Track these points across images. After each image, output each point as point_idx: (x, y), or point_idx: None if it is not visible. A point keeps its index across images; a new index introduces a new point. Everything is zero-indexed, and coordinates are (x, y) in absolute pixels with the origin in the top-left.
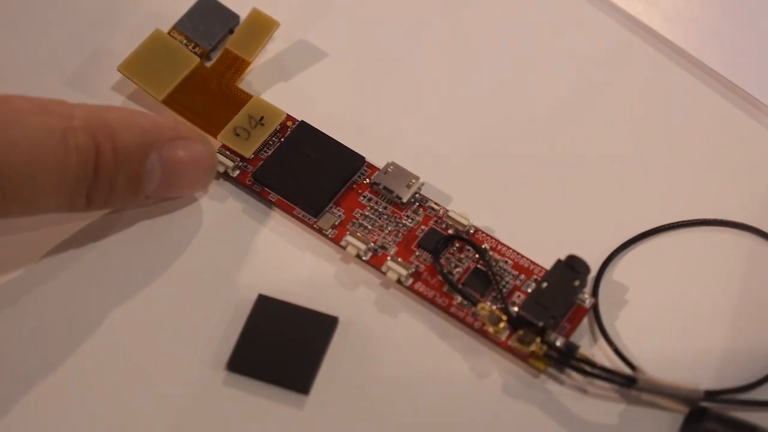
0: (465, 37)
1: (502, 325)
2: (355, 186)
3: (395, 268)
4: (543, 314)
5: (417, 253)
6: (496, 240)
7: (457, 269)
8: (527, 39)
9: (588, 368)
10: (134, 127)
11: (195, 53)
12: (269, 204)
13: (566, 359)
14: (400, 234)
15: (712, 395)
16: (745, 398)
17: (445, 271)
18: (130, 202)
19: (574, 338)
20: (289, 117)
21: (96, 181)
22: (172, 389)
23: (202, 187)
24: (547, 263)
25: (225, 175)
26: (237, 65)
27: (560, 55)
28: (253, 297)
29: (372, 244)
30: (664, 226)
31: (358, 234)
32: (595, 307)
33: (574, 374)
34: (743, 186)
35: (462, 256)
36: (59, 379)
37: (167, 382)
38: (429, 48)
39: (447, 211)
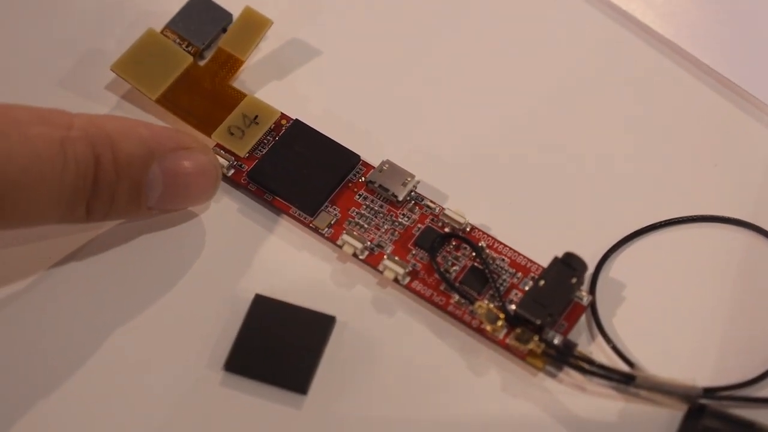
0: (459, 35)
1: (499, 323)
2: (350, 185)
3: (392, 267)
4: (541, 312)
5: (413, 252)
6: (492, 238)
7: (454, 267)
8: (521, 37)
9: (586, 366)
10: (134, 136)
11: (188, 52)
12: (265, 203)
13: (564, 357)
14: (397, 232)
15: (710, 392)
16: (743, 395)
17: (442, 269)
18: (132, 213)
19: (572, 336)
20: (283, 116)
21: (96, 192)
22: (169, 390)
23: (206, 199)
24: (544, 261)
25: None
26: (230, 64)
27: (554, 52)
28: (250, 297)
29: (368, 242)
30: (660, 222)
31: (355, 233)
32: (592, 305)
33: (573, 372)
34: (739, 182)
35: (459, 254)
36: (58, 381)
37: (165, 383)
38: (423, 45)
39: (443, 209)
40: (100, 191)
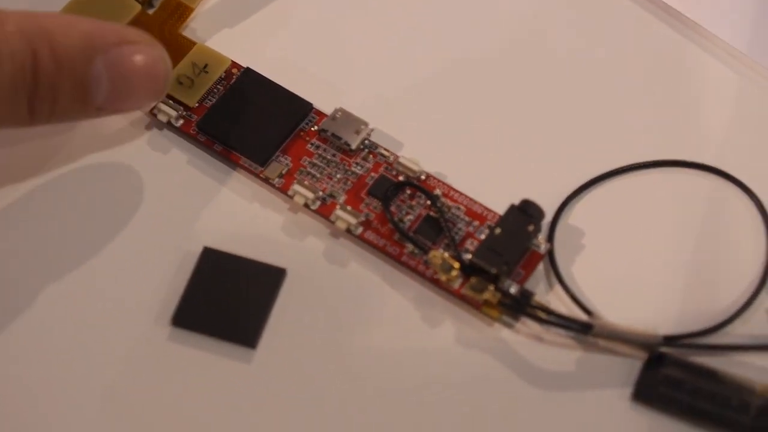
0: None
1: (454, 273)
2: (302, 133)
3: (344, 217)
4: (496, 261)
5: (367, 201)
6: (448, 186)
7: (409, 217)
8: None
9: (543, 315)
10: (75, 31)
11: (137, 0)
12: (215, 154)
13: (521, 306)
14: (350, 182)
15: (670, 340)
16: (704, 342)
17: (395, 218)
18: (79, 113)
19: (529, 285)
20: (234, 64)
21: (36, 89)
22: (116, 346)
23: (156, 97)
24: (502, 209)
25: (168, 125)
26: (180, 12)
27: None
28: (199, 250)
29: (320, 192)
30: (621, 168)
31: (306, 183)
32: (550, 253)
33: (530, 322)
34: (702, 125)
35: (413, 203)
36: (1, 337)
37: (111, 339)
38: None
39: (397, 157)
40: (41, 88)
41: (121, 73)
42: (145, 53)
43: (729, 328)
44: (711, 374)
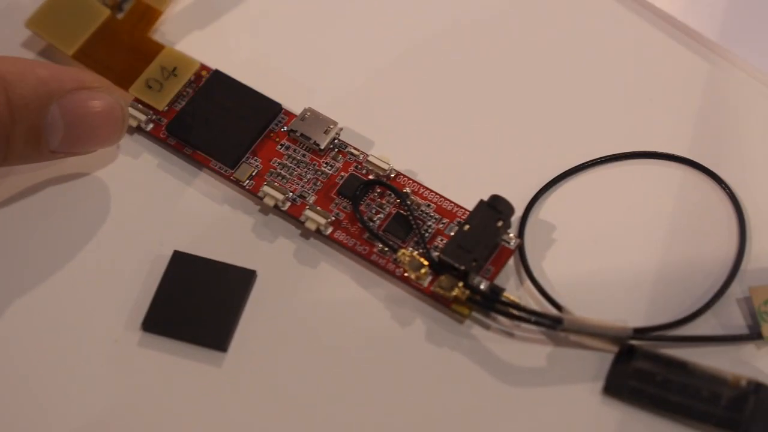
0: None
1: (423, 270)
2: (272, 134)
3: (314, 218)
4: (465, 257)
5: (337, 201)
6: (418, 183)
7: (379, 215)
8: None
9: (514, 311)
10: (31, 77)
11: (105, 5)
12: (185, 157)
13: (491, 303)
14: (319, 182)
15: (641, 333)
16: (674, 335)
17: (365, 217)
18: (32, 157)
19: (499, 281)
20: (203, 66)
21: None
22: (86, 352)
23: (112, 141)
24: (472, 206)
25: (138, 129)
26: (149, 16)
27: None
28: (169, 254)
29: (290, 193)
30: (590, 161)
31: (276, 184)
32: (520, 248)
33: (500, 318)
34: (674, 117)
35: (383, 201)
36: None
37: (81, 345)
38: None
39: (367, 155)
40: None
41: (77, 119)
42: (101, 98)
43: (700, 320)
44: (682, 366)
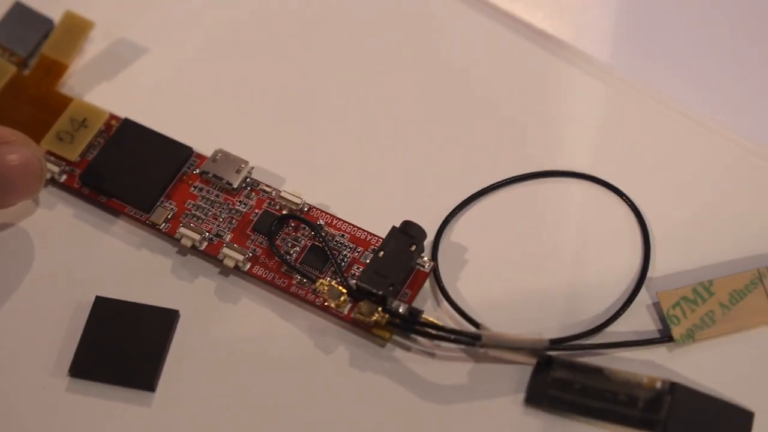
0: (277, 22)
1: (342, 298)
2: (185, 177)
3: (231, 255)
4: (382, 283)
5: (253, 237)
6: (331, 215)
7: (295, 248)
8: (324, 16)
9: (432, 331)
10: None
11: (11, 62)
12: (100, 205)
13: (409, 325)
14: (234, 220)
15: (557, 343)
16: (589, 343)
17: (282, 251)
18: None
19: (417, 303)
20: (112, 116)
21: None
22: (12, 402)
23: (30, 193)
24: (384, 233)
25: (52, 181)
26: (55, 70)
27: (370, 24)
28: (92, 300)
29: (207, 233)
30: (497, 183)
31: (192, 225)
32: (435, 271)
33: (420, 339)
34: (572, 136)
35: (298, 234)
36: None
37: (7, 396)
38: (246, 35)
39: (279, 191)
40: None
41: None
42: (18, 152)
43: (613, 326)
44: (598, 372)
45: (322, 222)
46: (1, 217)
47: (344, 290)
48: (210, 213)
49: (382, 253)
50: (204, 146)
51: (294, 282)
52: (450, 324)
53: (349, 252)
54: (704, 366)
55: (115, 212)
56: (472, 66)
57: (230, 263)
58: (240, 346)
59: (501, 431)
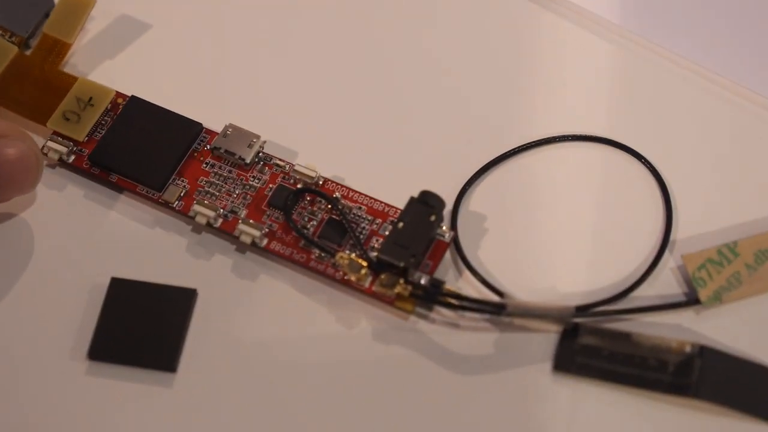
0: None
1: (363, 271)
2: (196, 154)
3: (248, 231)
4: (403, 254)
5: (268, 213)
6: (347, 188)
7: (312, 222)
8: None
9: (456, 302)
10: None
11: (12, 42)
12: (111, 185)
13: (432, 296)
14: (249, 196)
15: (582, 310)
16: (615, 308)
17: (298, 226)
18: None
19: (438, 274)
20: (118, 94)
21: None
22: (32, 386)
23: (28, 188)
24: (402, 204)
25: (61, 162)
26: (58, 49)
27: None
28: (107, 281)
29: (221, 210)
30: (513, 149)
31: (206, 202)
32: (455, 240)
33: (444, 310)
34: (589, 98)
35: (314, 208)
36: None
37: (27, 380)
38: (250, 4)
39: (293, 165)
40: None
41: None
42: (14, 146)
43: (638, 291)
44: (626, 338)
45: (338, 195)
46: (12, 202)
47: (364, 263)
48: (224, 189)
49: (401, 224)
50: (213, 122)
51: (313, 257)
52: (473, 294)
53: (367, 224)
54: (732, 328)
55: (127, 191)
56: (485, 33)
57: (247, 239)
58: (260, 323)
59: (530, 400)
